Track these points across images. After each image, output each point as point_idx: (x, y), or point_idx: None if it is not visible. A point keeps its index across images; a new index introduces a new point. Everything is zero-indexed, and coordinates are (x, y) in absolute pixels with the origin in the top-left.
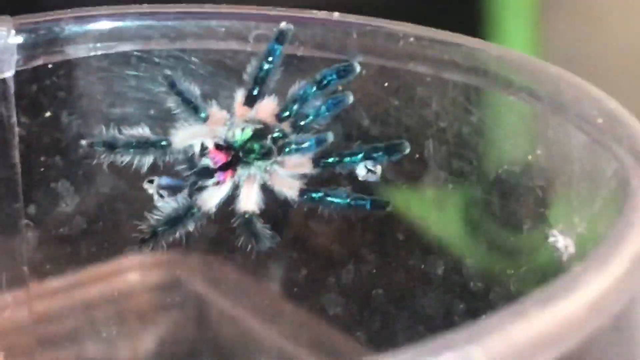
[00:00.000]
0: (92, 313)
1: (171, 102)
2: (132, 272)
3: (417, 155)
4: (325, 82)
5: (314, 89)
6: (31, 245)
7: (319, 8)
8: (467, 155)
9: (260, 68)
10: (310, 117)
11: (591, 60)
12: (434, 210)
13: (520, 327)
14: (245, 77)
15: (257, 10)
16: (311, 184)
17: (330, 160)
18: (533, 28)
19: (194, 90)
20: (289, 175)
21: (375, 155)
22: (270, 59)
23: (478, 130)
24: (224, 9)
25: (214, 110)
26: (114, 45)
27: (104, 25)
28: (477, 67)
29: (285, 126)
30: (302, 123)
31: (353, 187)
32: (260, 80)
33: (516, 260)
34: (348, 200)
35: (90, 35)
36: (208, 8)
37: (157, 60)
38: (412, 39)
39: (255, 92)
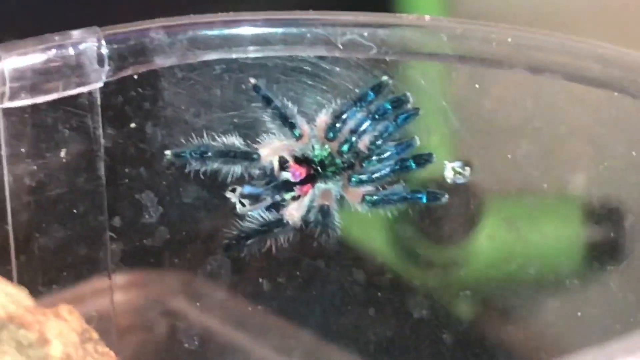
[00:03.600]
0: None
1: (265, 116)
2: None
3: (510, 156)
4: (380, 113)
5: (369, 121)
6: (116, 258)
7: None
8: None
9: (349, 108)
10: (381, 139)
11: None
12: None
13: None
14: (331, 110)
15: (345, 16)
16: None
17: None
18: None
19: (290, 106)
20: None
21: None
22: (360, 104)
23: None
24: (312, 15)
25: (303, 126)
26: (201, 53)
27: (192, 33)
28: (579, 65)
29: (365, 142)
30: (379, 142)
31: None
32: (343, 120)
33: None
34: (405, 194)
35: (179, 44)
36: (296, 14)
37: (242, 68)
38: (509, 39)
39: (337, 129)
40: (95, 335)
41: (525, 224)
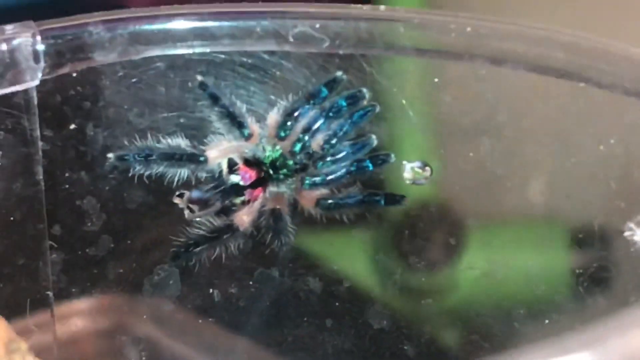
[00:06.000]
0: None
1: (213, 116)
2: (77, 317)
3: (472, 154)
4: (334, 111)
5: (323, 119)
6: (56, 268)
7: None
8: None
9: (301, 106)
10: (336, 138)
11: None
12: None
13: None
14: (283, 108)
15: (296, 8)
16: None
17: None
18: None
19: (238, 105)
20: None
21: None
22: (313, 101)
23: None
24: (260, 7)
25: (252, 126)
26: (144, 49)
27: (133, 28)
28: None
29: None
30: (334, 141)
31: None
32: (295, 118)
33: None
34: (362, 197)
35: (119, 39)
36: (243, 7)
37: (188, 64)
38: (468, 29)
39: (288, 127)
40: (24, 345)
41: (508, 249)
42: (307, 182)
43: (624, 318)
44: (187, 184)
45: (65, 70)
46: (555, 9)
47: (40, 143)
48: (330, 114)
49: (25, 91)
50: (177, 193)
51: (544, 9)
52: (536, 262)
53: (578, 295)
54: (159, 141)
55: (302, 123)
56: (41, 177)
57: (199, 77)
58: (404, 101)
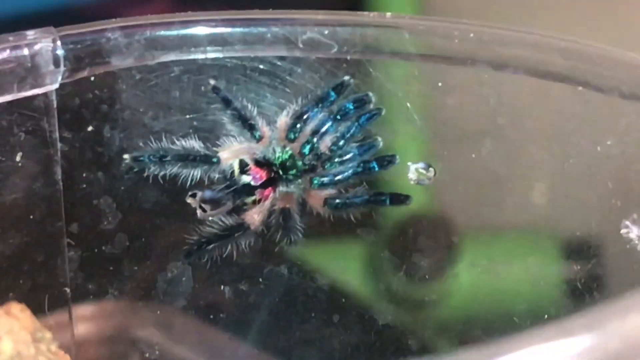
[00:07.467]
0: None
1: (225, 118)
2: (82, 323)
3: (474, 155)
4: (341, 114)
5: (331, 122)
6: (74, 265)
7: None
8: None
9: (310, 109)
10: (343, 140)
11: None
12: None
13: None
14: (292, 111)
15: (305, 15)
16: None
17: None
18: None
19: (250, 108)
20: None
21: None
22: (321, 104)
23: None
24: (271, 14)
25: (263, 128)
26: (159, 54)
27: (149, 34)
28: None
29: (327, 143)
30: (341, 143)
31: None
32: (304, 121)
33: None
34: (368, 197)
35: (136, 45)
36: (254, 14)
37: (201, 69)
38: (471, 35)
39: (297, 130)
40: (48, 334)
41: (502, 260)
42: (315, 182)
43: (625, 301)
44: (200, 184)
45: (83, 74)
46: (544, 14)
47: (59, 144)
48: (338, 117)
49: (45, 94)
50: (190, 193)
51: (533, 14)
52: (536, 261)
53: (576, 291)
54: (173, 143)
55: (311, 125)
56: (60, 177)
57: (212, 82)
58: (408, 105)
